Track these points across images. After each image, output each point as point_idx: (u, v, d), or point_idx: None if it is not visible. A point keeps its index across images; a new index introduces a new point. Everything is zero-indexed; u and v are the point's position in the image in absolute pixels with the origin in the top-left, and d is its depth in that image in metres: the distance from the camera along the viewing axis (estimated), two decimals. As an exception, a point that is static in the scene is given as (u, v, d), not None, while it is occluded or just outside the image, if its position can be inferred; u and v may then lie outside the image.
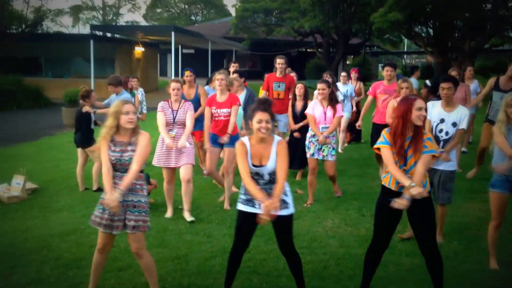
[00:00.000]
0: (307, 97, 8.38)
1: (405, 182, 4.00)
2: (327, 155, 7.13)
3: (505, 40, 28.82)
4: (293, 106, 8.47)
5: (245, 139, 4.28)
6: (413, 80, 10.62)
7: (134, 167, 4.15)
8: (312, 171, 7.26)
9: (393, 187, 4.18)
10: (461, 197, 7.35)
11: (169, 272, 4.98)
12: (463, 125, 5.41)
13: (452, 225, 6.21)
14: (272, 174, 4.22)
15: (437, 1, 23.26)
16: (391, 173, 4.19)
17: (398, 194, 4.10)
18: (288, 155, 4.28)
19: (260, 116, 4.13)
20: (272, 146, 4.22)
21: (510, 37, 29.57)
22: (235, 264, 4.40)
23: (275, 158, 4.18)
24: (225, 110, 6.98)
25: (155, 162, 6.73)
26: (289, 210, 4.25)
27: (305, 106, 7.98)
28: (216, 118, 7.03)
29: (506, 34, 27.94)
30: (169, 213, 6.82)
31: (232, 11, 47.71)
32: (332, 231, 6.17)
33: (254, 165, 4.20)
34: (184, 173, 6.55)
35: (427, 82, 7.22)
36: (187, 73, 8.72)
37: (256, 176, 4.23)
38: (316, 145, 7.14)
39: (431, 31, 29.49)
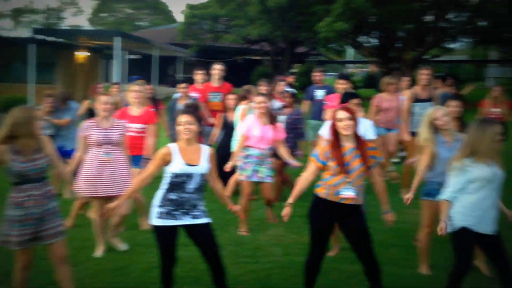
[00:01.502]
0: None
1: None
2: (264, 176, 6.37)
3: (444, 51, 29.91)
4: (225, 117, 7.79)
5: (172, 144, 4.25)
6: None
7: None
8: (247, 196, 6.38)
9: (330, 198, 4.22)
10: (399, 204, 7.51)
11: (108, 284, 4.83)
12: (370, 136, 5.47)
13: (390, 231, 6.32)
14: (202, 179, 4.19)
15: (381, 12, 23.86)
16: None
17: (337, 204, 4.17)
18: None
19: (182, 118, 4.15)
20: (202, 150, 4.24)
21: (449, 48, 30.75)
22: (168, 281, 4.30)
23: (208, 161, 4.21)
24: (138, 126, 6.26)
25: (82, 190, 5.45)
26: (209, 219, 4.28)
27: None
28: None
29: (445, 45, 29.02)
30: (99, 252, 5.65)
31: (179, 18, 47.50)
32: (276, 239, 6.17)
33: (188, 164, 4.13)
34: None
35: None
36: (139, 82, 7.66)
37: (185, 178, 4.14)
38: (251, 166, 6.30)
39: (375, 41, 30.25)
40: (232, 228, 6.45)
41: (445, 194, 4.22)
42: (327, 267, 4.61)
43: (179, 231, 4.24)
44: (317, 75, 9.71)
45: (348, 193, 4.16)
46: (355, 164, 4.16)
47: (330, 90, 8.83)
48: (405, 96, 8.03)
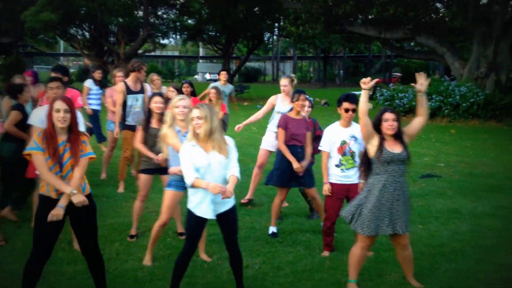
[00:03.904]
0: None
1: (65, 189, 3.90)
2: None
3: (157, 46, 31.00)
4: None
5: None
6: None
7: None
8: None
9: (52, 194, 3.98)
10: (118, 198, 7.52)
11: None
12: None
13: (113, 225, 6.25)
14: None
15: (90, 4, 23.40)
16: (47, 181, 3.97)
17: (58, 201, 3.93)
18: None
19: None
20: None
21: (161, 44, 32.02)
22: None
23: None
24: None
25: None
26: None
27: None
28: None
29: (157, 40, 30.09)
30: None
31: None
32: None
33: None
34: None
35: None
36: None
37: None
38: None
39: (87, 34, 29.57)
40: None
41: (190, 174, 4.18)
42: (46, 270, 4.28)
43: None
44: None
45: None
46: (67, 157, 3.98)
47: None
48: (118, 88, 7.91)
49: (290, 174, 5.95)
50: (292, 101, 6.11)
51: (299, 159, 5.95)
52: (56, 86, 5.47)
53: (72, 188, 3.89)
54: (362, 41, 38.33)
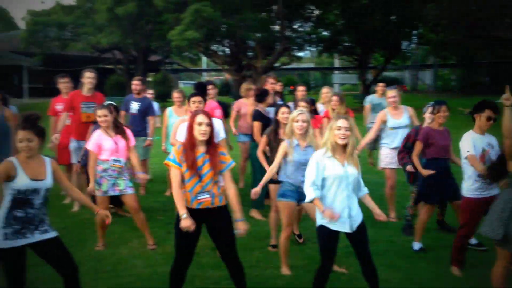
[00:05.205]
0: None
1: (180, 210, 4.09)
2: (124, 188, 6.02)
3: (293, 59, 31.48)
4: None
5: (12, 158, 3.92)
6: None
7: None
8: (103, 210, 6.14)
9: (189, 205, 4.20)
10: (261, 217, 7.75)
11: None
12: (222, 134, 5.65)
13: (253, 234, 6.48)
14: (46, 194, 3.97)
15: (230, 22, 24.46)
16: (174, 195, 4.20)
17: (196, 211, 4.16)
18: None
19: (21, 135, 3.85)
20: (46, 163, 4.00)
21: (297, 56, 32.48)
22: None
23: (52, 175, 3.98)
24: None
25: None
26: (53, 233, 4.03)
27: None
28: None
29: (293, 54, 30.58)
30: None
31: (21, 24, 44.47)
32: (137, 251, 6.00)
33: (33, 179, 3.85)
34: None
35: None
36: None
37: (31, 196, 3.87)
38: (109, 180, 5.95)
39: (227, 50, 30.93)
40: (90, 243, 6.17)
41: (311, 192, 4.24)
42: (191, 274, 4.59)
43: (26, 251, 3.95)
44: (136, 84, 8.79)
45: (203, 197, 4.17)
46: (206, 169, 4.18)
47: (145, 103, 8.58)
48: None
49: (439, 188, 5.79)
50: (432, 113, 5.97)
51: (449, 172, 5.84)
52: (198, 100, 5.88)
53: (184, 212, 4.06)
54: (509, 46, 35.56)
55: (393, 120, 7.17)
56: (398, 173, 7.27)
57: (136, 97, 8.68)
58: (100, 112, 5.96)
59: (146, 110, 8.56)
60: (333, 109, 7.86)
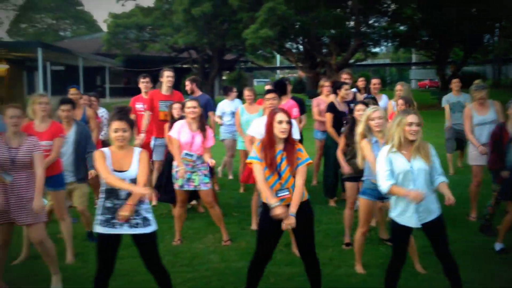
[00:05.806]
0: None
1: (271, 201, 4.09)
2: (199, 184, 6.03)
3: (368, 55, 30.94)
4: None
5: (105, 149, 4.15)
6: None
7: None
8: (181, 203, 6.18)
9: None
10: (335, 204, 7.71)
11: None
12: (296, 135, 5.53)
13: (326, 231, 6.47)
14: (134, 182, 4.10)
15: (304, 19, 24.39)
16: (259, 189, 4.25)
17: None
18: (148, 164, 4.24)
19: (116, 125, 4.04)
20: (133, 154, 4.15)
21: (373, 52, 31.87)
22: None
23: (137, 166, 4.12)
24: (44, 143, 5.20)
25: None
26: (152, 227, 4.17)
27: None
28: None
29: (368, 49, 30.05)
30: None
31: (103, 27, 46.42)
32: (213, 246, 6.14)
33: (115, 171, 4.05)
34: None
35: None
36: (73, 91, 7.33)
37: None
38: (186, 174, 5.99)
39: (301, 47, 30.87)
40: (168, 237, 6.38)
41: (385, 182, 4.15)
42: (266, 270, 4.63)
43: (120, 241, 4.15)
44: (186, 85, 8.68)
45: (284, 194, 4.19)
46: (284, 165, 4.20)
47: (203, 99, 8.31)
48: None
49: None
50: None
51: None
52: (272, 97, 5.94)
53: (276, 201, 4.06)
54: None
55: (478, 116, 6.88)
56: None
57: (193, 96, 8.38)
58: (190, 103, 6.02)
59: (205, 106, 8.32)
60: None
